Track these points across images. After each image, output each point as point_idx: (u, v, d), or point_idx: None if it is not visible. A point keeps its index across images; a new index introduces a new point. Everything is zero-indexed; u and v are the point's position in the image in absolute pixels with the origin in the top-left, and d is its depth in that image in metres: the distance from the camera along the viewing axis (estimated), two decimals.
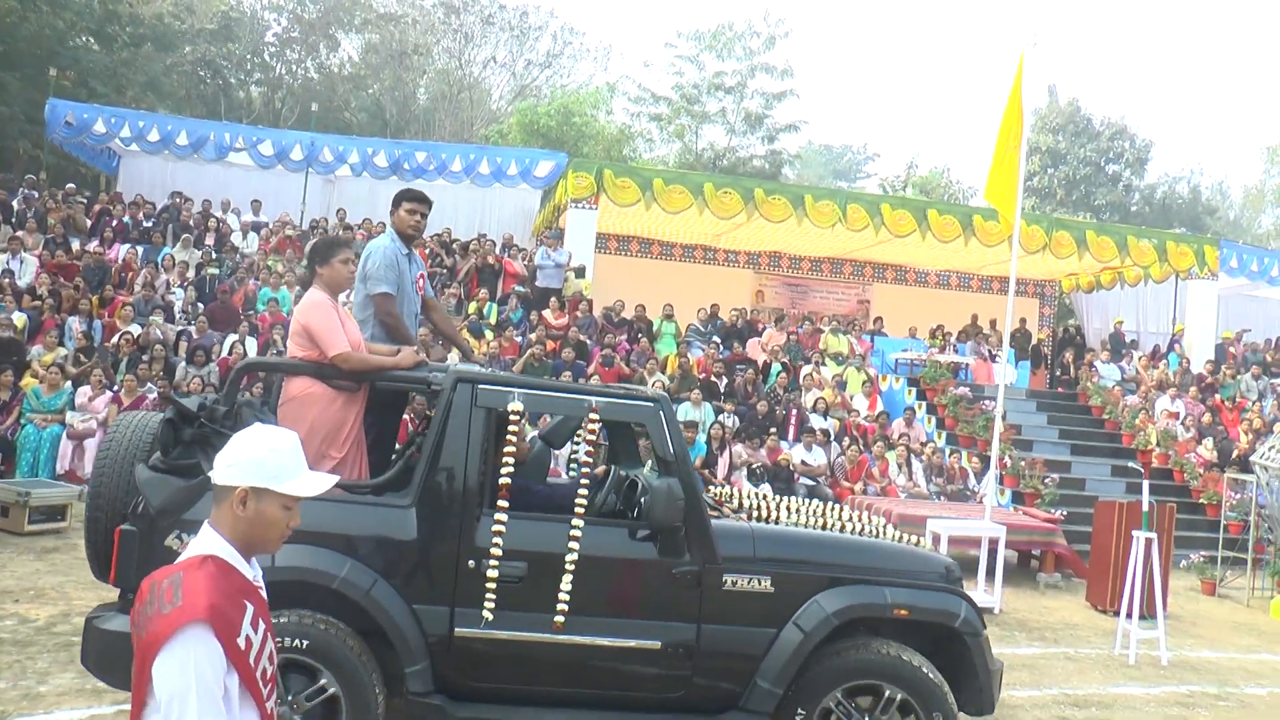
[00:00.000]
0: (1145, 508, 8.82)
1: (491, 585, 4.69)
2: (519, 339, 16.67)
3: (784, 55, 58.41)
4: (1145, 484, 9.08)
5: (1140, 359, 21.01)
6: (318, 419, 5.17)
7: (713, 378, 16.24)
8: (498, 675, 4.83)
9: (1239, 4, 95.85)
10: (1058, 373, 20.88)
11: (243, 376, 5.26)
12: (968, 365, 19.91)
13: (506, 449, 4.90)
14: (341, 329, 5.25)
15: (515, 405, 4.91)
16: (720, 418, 15.08)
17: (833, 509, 5.93)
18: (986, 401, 16.44)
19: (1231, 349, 22.44)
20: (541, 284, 17.95)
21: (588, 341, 16.64)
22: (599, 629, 4.84)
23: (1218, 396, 19.62)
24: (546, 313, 17.18)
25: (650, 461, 5.83)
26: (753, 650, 4.96)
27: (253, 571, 2.37)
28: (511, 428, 4.91)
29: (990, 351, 20.86)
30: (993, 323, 23.58)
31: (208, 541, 2.31)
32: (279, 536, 2.36)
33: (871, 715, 5.00)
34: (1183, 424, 17.77)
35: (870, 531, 5.54)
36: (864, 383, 16.67)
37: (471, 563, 4.75)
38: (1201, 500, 15.12)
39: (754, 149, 37.55)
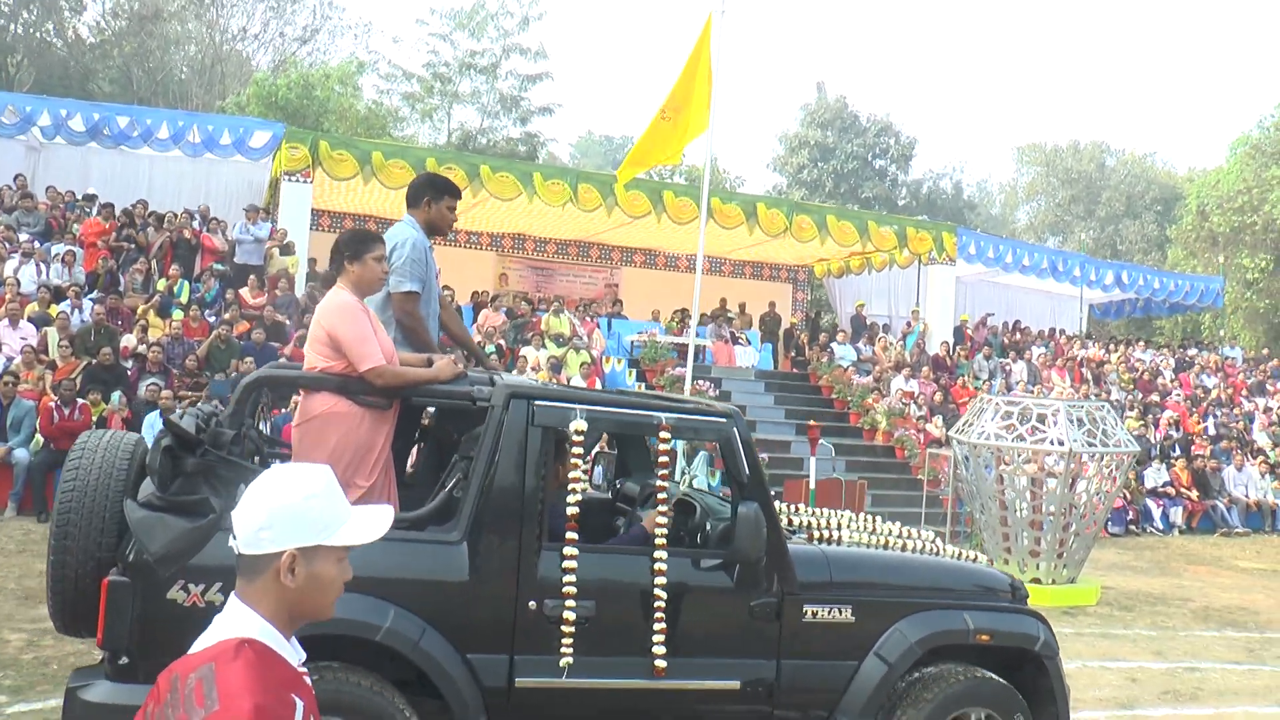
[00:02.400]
0: (812, 485, 8.16)
1: (569, 629, 4.15)
2: (212, 319, 15.09)
3: (538, 37, 57.51)
4: (812, 460, 8.42)
5: (880, 341, 20.96)
6: (343, 441, 4.42)
7: None
8: None
9: (992, 8, 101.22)
10: (790, 354, 20.58)
11: (254, 392, 4.55)
12: (705, 348, 19.38)
13: (572, 474, 4.37)
14: (375, 337, 4.49)
15: (579, 424, 4.34)
16: None
17: (880, 524, 5.46)
18: (701, 382, 15.87)
19: (969, 331, 22.79)
20: (241, 260, 16.37)
21: (286, 322, 15.18)
22: (675, 670, 4.33)
23: (957, 377, 19.82)
24: (245, 291, 15.61)
25: (674, 476, 5.39)
26: (834, 685, 4.61)
27: (296, 655, 1.93)
28: (575, 449, 4.37)
29: (733, 334, 20.44)
30: (741, 306, 23.37)
31: (240, 622, 1.86)
32: (335, 599, 1.96)
33: None
34: (915, 403, 17.76)
35: (931, 549, 5.19)
36: (583, 364, 15.81)
37: (533, 604, 4.19)
38: (920, 476, 14.93)
39: (509, 131, 36.40)
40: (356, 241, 4.69)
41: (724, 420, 4.65)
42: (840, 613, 4.60)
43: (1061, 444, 10.20)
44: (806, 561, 4.64)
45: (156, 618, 3.79)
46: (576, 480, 4.38)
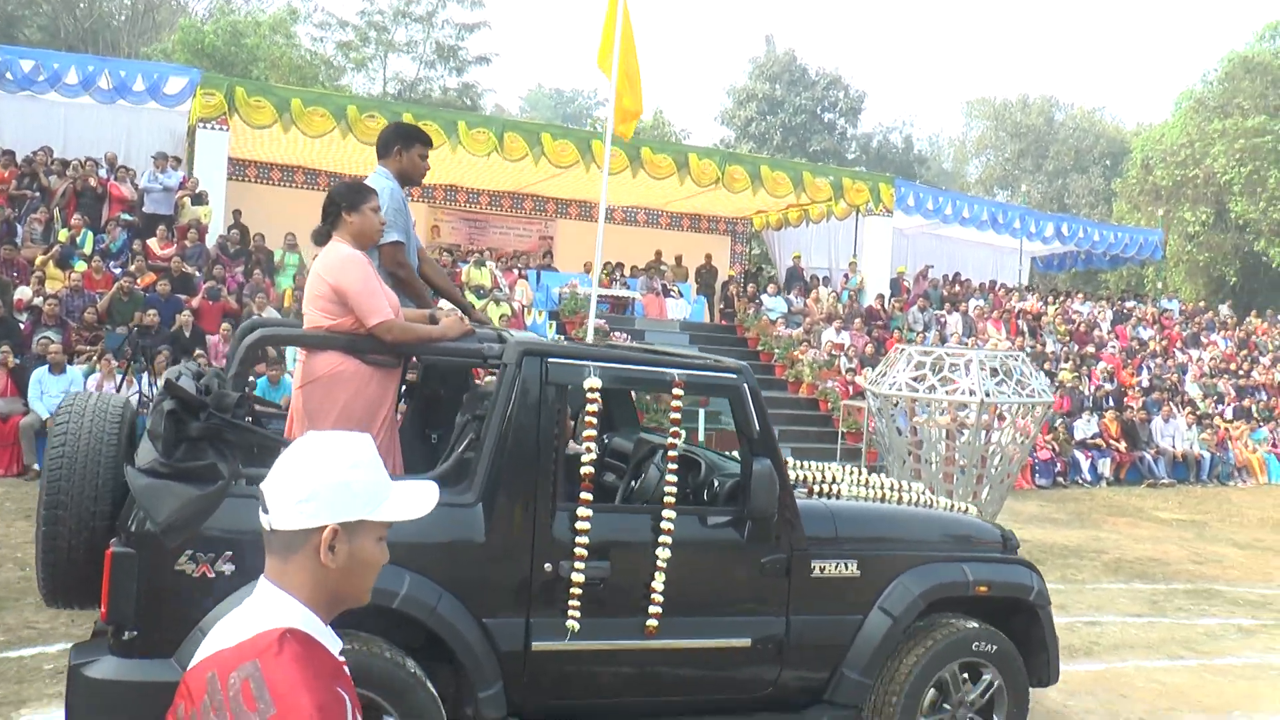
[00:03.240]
0: (700, 437, 7.87)
1: (578, 590, 4.09)
2: (117, 271, 14.56)
3: None
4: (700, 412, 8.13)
5: (812, 293, 20.73)
6: (350, 402, 4.29)
7: None
8: (579, 690, 4.29)
9: None
10: (720, 306, 20.32)
11: (257, 351, 4.35)
12: (634, 300, 19.12)
13: (587, 432, 4.28)
14: (382, 291, 4.32)
15: (593, 381, 4.23)
16: None
17: (874, 478, 5.44)
18: (617, 334, 15.57)
19: (906, 283, 22.64)
20: (149, 210, 15.74)
21: (195, 273, 14.69)
22: (688, 630, 4.34)
23: (892, 329, 19.67)
24: (153, 242, 15.05)
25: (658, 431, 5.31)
26: (840, 640, 4.63)
27: (336, 643, 1.72)
28: (590, 407, 4.25)
29: (664, 286, 20.15)
30: (678, 259, 23.06)
31: (278, 609, 1.66)
32: (373, 583, 1.78)
33: (961, 693, 4.77)
34: (846, 355, 17.58)
35: (925, 502, 5.26)
36: (502, 316, 15.44)
37: (548, 566, 4.11)
38: (842, 429, 14.74)
39: (445, 81, 35.66)
40: (353, 192, 4.53)
41: (734, 376, 4.60)
42: (846, 567, 4.63)
43: (973, 394, 10.00)
44: (812, 517, 4.64)
45: (164, 590, 3.66)
46: (591, 439, 4.28)
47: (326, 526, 1.68)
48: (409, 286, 4.91)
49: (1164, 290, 34.26)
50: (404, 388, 5.12)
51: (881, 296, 20.70)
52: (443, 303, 5.34)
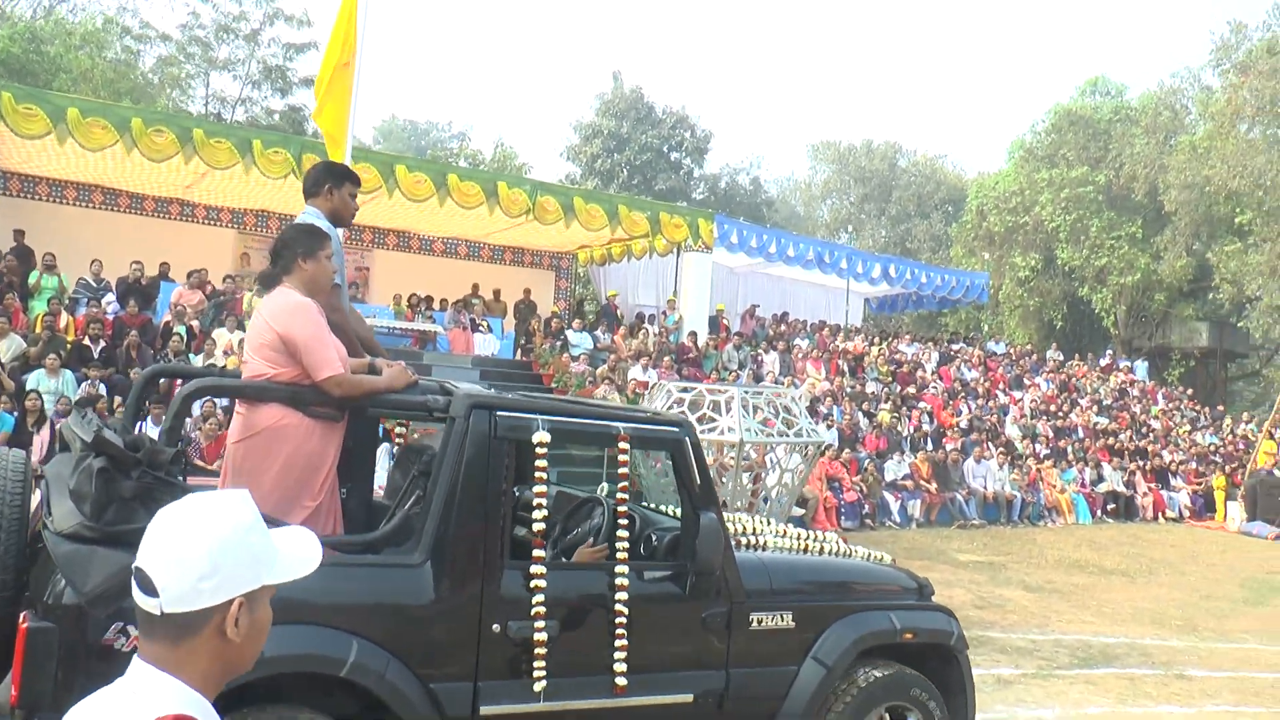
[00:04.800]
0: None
1: (541, 650, 4.01)
2: None
3: (302, 4, 54.79)
4: None
5: (620, 330, 20.08)
6: (292, 457, 4.06)
7: (86, 340, 13.29)
8: None
9: (789, 4, 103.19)
10: (521, 340, 19.51)
11: (191, 403, 4.31)
12: (437, 334, 18.20)
13: (537, 489, 4.17)
14: (332, 342, 4.12)
15: (541, 435, 4.15)
16: (86, 386, 12.29)
17: (788, 528, 5.51)
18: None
19: (725, 321, 22.22)
20: None
21: None
22: (637, 688, 4.25)
23: (707, 368, 19.13)
24: None
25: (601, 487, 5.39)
26: (777, 691, 4.66)
27: None
28: (539, 462, 4.14)
29: (473, 321, 19.27)
30: (496, 293, 22.24)
31: (163, 695, 1.49)
32: (261, 647, 1.63)
33: None
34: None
35: (844, 551, 5.35)
36: None
37: (496, 626, 4.00)
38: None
39: (270, 103, 34.23)
40: (310, 238, 4.31)
41: (677, 429, 4.59)
42: (782, 619, 4.66)
43: (731, 431, 9.33)
44: (749, 569, 4.65)
45: (89, 667, 3.30)
46: (541, 494, 4.18)
47: (234, 600, 1.54)
48: (342, 333, 4.52)
49: (993, 334, 34.75)
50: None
51: (694, 334, 20.14)
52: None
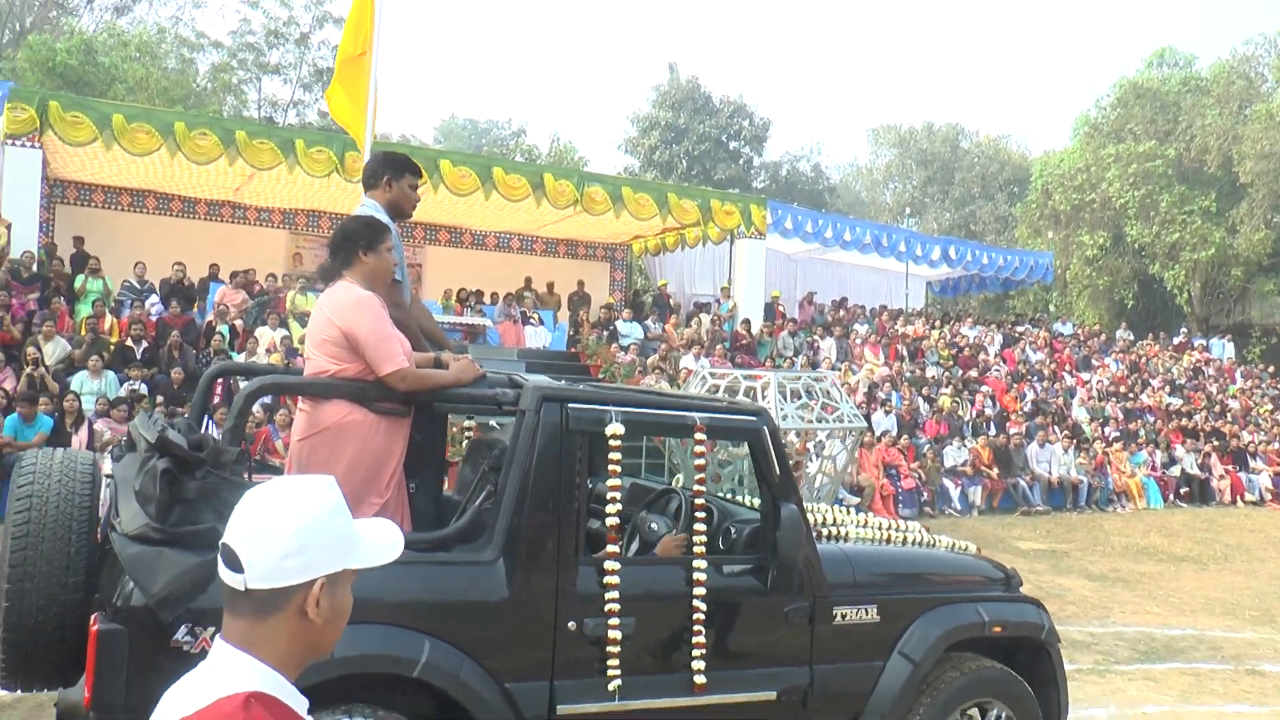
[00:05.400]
0: None
1: (612, 649, 3.90)
2: None
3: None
4: None
5: (671, 319, 19.81)
6: (358, 455, 4.01)
7: (129, 342, 13.38)
8: None
9: None
10: (570, 332, 19.33)
11: (254, 402, 4.12)
12: (486, 328, 18.10)
13: (611, 481, 4.08)
14: (396, 336, 4.05)
15: (615, 427, 4.06)
16: (128, 386, 12.37)
17: (871, 519, 5.32)
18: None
19: (780, 308, 21.87)
20: None
21: None
22: (718, 685, 4.15)
23: (762, 356, 18.83)
24: None
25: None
26: (863, 687, 4.54)
27: (303, 703, 1.61)
28: (613, 455, 4.08)
29: (524, 314, 19.15)
30: (550, 286, 22.13)
31: (241, 672, 1.54)
32: (341, 632, 1.66)
33: None
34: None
35: (928, 541, 5.21)
36: None
37: (572, 624, 3.91)
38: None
39: (323, 105, 34.40)
40: (371, 230, 4.22)
41: (754, 419, 4.45)
42: (867, 613, 4.55)
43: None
44: (831, 562, 4.54)
45: (159, 669, 3.23)
46: (615, 488, 4.09)
47: (316, 580, 1.57)
48: (406, 330, 4.43)
49: (1060, 315, 33.86)
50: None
51: (748, 321, 19.81)
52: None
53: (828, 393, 9.51)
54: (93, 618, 3.34)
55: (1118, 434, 20.78)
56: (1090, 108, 36.49)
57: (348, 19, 9.43)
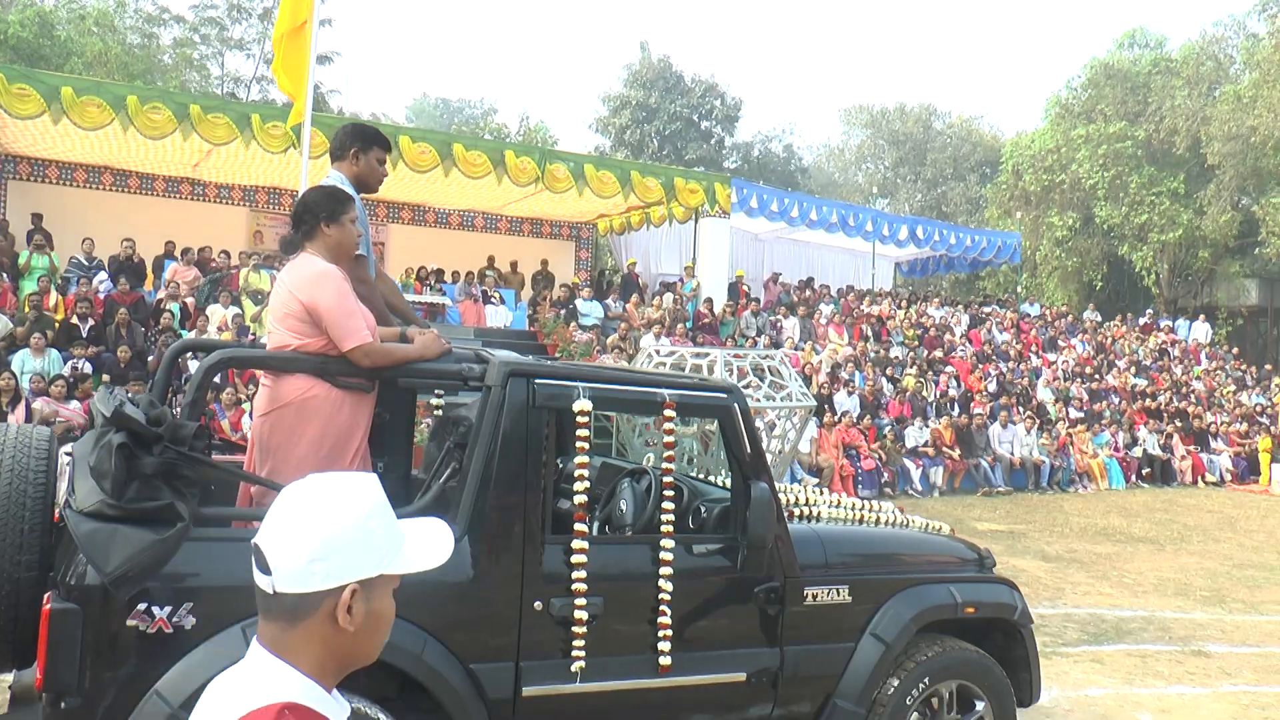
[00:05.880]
0: None
1: (579, 629, 3.83)
2: None
3: None
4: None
5: (633, 299, 19.62)
6: (322, 431, 3.92)
7: (75, 320, 13.10)
8: None
9: None
10: (529, 312, 19.13)
11: (213, 376, 3.98)
12: (446, 306, 17.88)
13: (578, 459, 4.01)
14: (359, 310, 3.96)
15: (583, 403, 3.99)
16: (72, 364, 12.10)
17: (841, 498, 5.31)
18: None
19: (745, 287, 21.72)
20: None
21: None
22: (686, 666, 4.10)
23: (723, 336, 18.66)
24: None
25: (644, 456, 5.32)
26: (832, 669, 4.50)
27: (342, 710, 1.55)
28: (581, 432, 4.01)
29: (484, 293, 18.92)
30: (513, 265, 21.89)
31: (276, 681, 1.48)
32: (385, 639, 1.59)
33: (941, 716, 4.73)
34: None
35: (901, 522, 5.17)
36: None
37: (538, 604, 3.83)
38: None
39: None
40: (333, 201, 4.11)
41: (724, 395, 4.37)
42: (838, 594, 4.49)
43: None
44: (802, 542, 4.47)
45: (114, 650, 3.25)
46: (583, 465, 4.01)
47: (346, 587, 1.49)
48: (371, 305, 4.37)
49: (1030, 296, 33.87)
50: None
51: (710, 300, 19.65)
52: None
53: (777, 371, 9.35)
54: (46, 596, 3.27)
55: (1081, 415, 20.79)
56: (1061, 88, 36.41)
57: None
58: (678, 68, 45.12)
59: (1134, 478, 19.49)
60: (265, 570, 1.49)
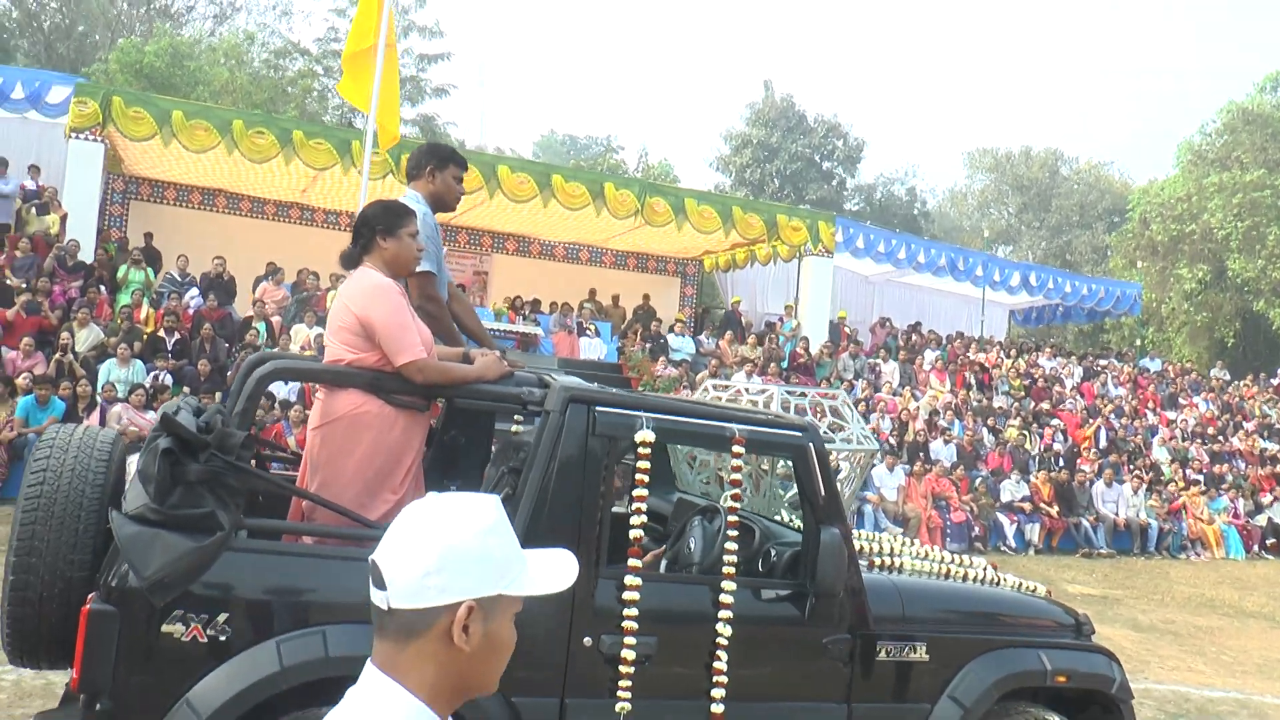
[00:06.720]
0: None
1: (628, 669, 3.71)
2: None
3: (434, 14, 55.73)
4: None
5: (727, 336, 19.32)
6: (372, 447, 3.85)
7: (161, 333, 13.46)
8: None
9: (943, 8, 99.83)
10: (618, 345, 19.00)
11: (265, 386, 3.92)
12: (539, 336, 17.91)
13: (636, 492, 3.87)
14: (415, 326, 3.92)
15: (645, 434, 3.86)
16: (154, 375, 12.43)
17: (933, 551, 5.07)
18: None
19: (847, 329, 21.23)
20: None
21: (21, 285, 13.63)
22: (744, 717, 3.92)
23: (819, 377, 18.26)
24: None
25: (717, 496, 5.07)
26: None
27: None
28: (641, 464, 3.87)
29: (580, 324, 18.90)
30: (615, 299, 21.84)
31: (387, 704, 1.44)
32: (503, 668, 1.54)
33: None
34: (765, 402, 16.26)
35: (992, 579, 4.87)
36: None
37: (588, 640, 3.74)
38: None
39: (404, 113, 34.71)
40: (390, 215, 4.05)
41: (799, 434, 4.19)
42: (915, 651, 4.28)
43: None
44: (878, 593, 4.26)
45: (148, 656, 3.25)
46: (641, 499, 3.86)
47: (462, 603, 1.45)
48: (437, 323, 4.47)
49: (1154, 350, 32.44)
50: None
51: (806, 340, 19.26)
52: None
53: (837, 411, 9.00)
54: (89, 596, 3.26)
55: (1200, 477, 19.68)
56: (1194, 134, 35.03)
57: (356, 14, 9.37)
58: (800, 107, 44.99)
59: (1256, 548, 18.31)
60: (381, 586, 1.47)
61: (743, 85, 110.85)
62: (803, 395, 9.19)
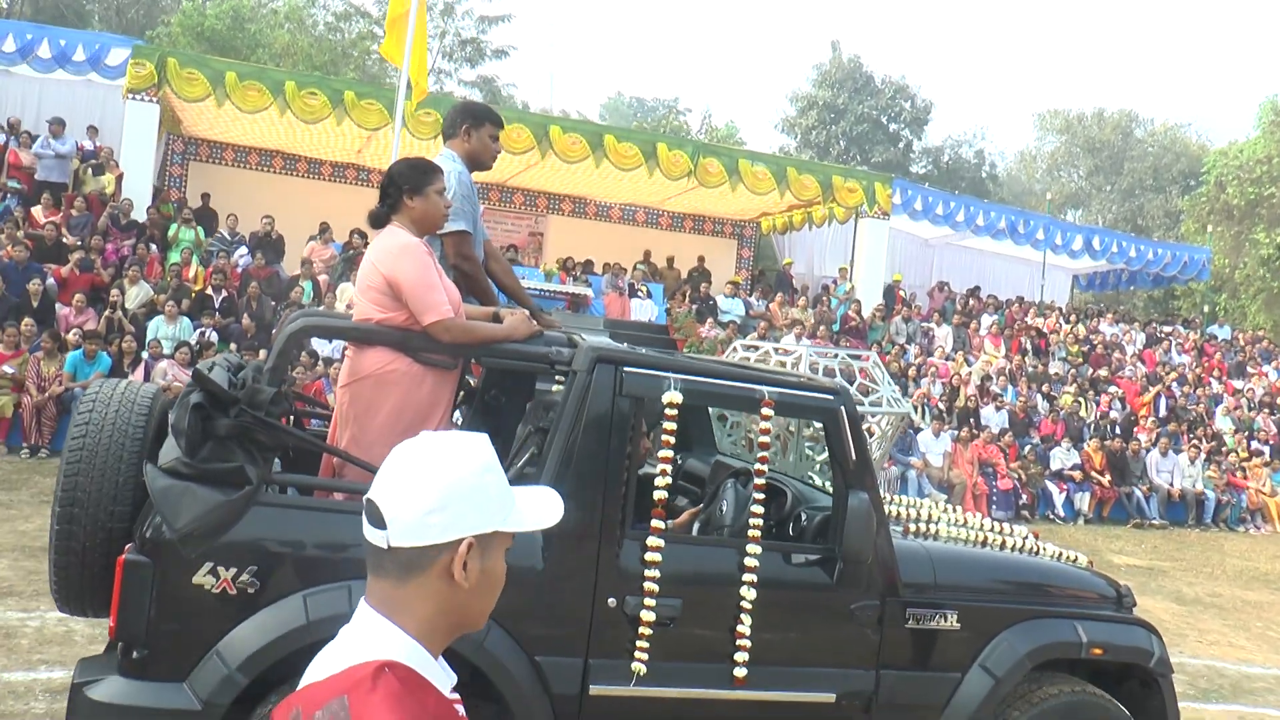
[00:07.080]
0: None
1: (646, 629, 3.73)
2: None
3: None
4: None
5: (778, 298, 19.20)
6: (400, 406, 3.91)
7: (209, 290, 13.74)
8: None
9: None
10: (666, 306, 18.94)
11: (298, 343, 4.14)
12: (590, 297, 17.94)
13: (662, 453, 3.88)
14: (442, 284, 3.95)
15: (672, 395, 3.84)
16: (200, 331, 12.71)
17: (972, 519, 5.03)
18: None
19: (901, 292, 20.98)
20: (41, 177, 15.20)
21: (76, 243, 13.95)
22: (767, 681, 3.94)
23: (870, 341, 18.10)
24: (37, 209, 14.39)
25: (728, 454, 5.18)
26: (935, 699, 4.23)
27: (448, 678, 1.51)
28: (667, 424, 3.87)
29: (631, 286, 18.91)
30: (670, 260, 21.81)
31: (380, 639, 1.45)
32: (494, 603, 1.57)
33: None
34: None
35: (1031, 548, 4.78)
36: None
37: (612, 601, 3.76)
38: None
39: (463, 74, 34.86)
40: (417, 172, 4.06)
41: (831, 397, 4.15)
42: (945, 619, 4.22)
43: None
44: (909, 560, 4.23)
45: (180, 605, 3.37)
46: (667, 460, 3.87)
47: (463, 540, 1.46)
48: (473, 282, 4.52)
49: (1225, 318, 31.54)
50: (461, 394, 4.72)
51: (859, 303, 19.07)
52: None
53: (869, 373, 8.92)
54: (126, 547, 3.38)
55: (1266, 448, 19.22)
56: (1277, 93, 33.87)
57: None
58: (868, 68, 44.22)
59: None
60: (379, 524, 1.46)
61: (810, 46, 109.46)
62: (834, 356, 9.11)
